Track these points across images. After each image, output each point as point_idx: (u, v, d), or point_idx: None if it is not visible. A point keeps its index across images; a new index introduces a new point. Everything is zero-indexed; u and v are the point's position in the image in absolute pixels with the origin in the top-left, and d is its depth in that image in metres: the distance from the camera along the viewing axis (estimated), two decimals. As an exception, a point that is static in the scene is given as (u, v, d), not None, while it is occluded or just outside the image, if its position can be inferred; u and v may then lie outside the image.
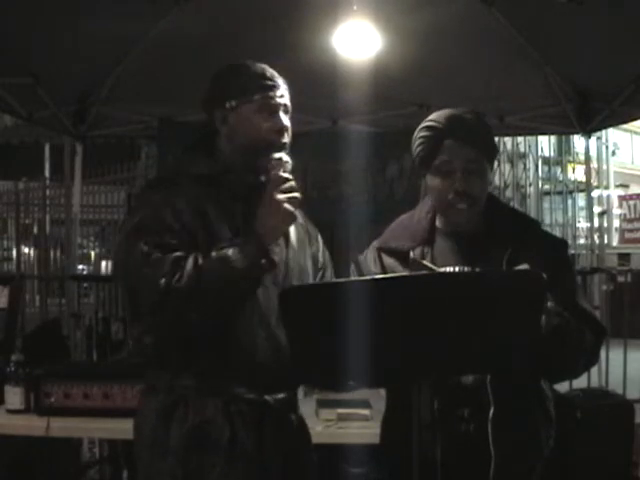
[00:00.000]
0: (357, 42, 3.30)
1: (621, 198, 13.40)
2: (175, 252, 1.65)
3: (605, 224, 12.36)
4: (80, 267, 6.06)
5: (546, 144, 12.58)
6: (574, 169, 12.20)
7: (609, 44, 3.50)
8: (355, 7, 3.16)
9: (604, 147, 14.47)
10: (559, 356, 1.70)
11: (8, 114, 5.76)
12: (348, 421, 2.79)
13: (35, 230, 8.72)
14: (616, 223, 13.55)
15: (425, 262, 1.79)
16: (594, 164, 11.68)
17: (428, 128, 1.85)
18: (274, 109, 1.80)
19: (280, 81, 1.84)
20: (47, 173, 10.10)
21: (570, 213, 11.80)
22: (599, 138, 12.97)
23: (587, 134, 4.73)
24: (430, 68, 3.88)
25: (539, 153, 11.98)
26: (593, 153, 10.77)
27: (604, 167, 14.56)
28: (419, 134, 1.87)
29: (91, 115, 4.51)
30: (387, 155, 4.86)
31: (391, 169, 4.94)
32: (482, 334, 1.46)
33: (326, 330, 1.45)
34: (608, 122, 4.68)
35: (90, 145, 5.02)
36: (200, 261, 1.64)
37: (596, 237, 6.35)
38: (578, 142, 11.31)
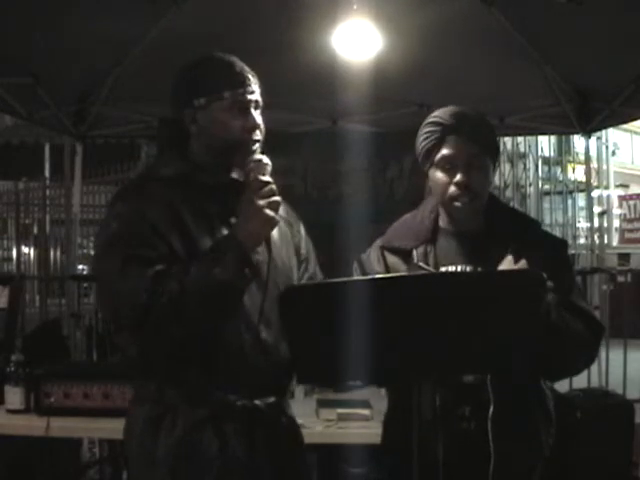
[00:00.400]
0: (357, 42, 3.30)
1: (621, 198, 13.41)
2: (153, 266, 1.59)
3: (605, 224, 12.38)
4: (80, 267, 6.05)
5: (546, 144, 12.59)
6: (574, 169, 12.22)
7: (609, 44, 3.50)
8: (355, 6, 3.15)
9: (604, 147, 14.48)
10: (558, 353, 1.70)
11: (8, 114, 5.76)
12: (348, 421, 2.78)
13: (35, 230, 8.72)
14: (616, 223, 13.57)
15: (424, 265, 1.80)
16: (594, 164, 11.68)
17: (432, 124, 1.87)
18: (245, 106, 1.74)
19: (250, 76, 1.76)
20: (47, 173, 10.09)
21: (570, 213, 11.81)
22: (599, 138, 12.99)
23: (587, 134, 4.73)
24: (430, 68, 3.89)
25: (539, 153, 12.00)
26: (593, 153, 10.78)
27: (604, 167, 14.57)
28: (423, 129, 1.89)
29: (91, 115, 4.51)
30: (387, 155, 4.87)
31: (391, 169, 4.95)
32: (482, 334, 1.46)
33: (326, 330, 1.45)
34: (608, 122, 4.68)
35: (90, 145, 5.02)
36: (181, 275, 1.59)
37: (596, 237, 6.35)
38: (578, 142, 11.32)
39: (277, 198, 1.66)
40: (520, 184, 11.44)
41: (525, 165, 11.57)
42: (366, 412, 2.81)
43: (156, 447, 1.69)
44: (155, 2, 3.33)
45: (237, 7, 3.43)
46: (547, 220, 11.30)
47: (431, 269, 1.80)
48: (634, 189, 15.18)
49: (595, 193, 11.75)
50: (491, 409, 1.76)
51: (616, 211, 13.70)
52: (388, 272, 1.89)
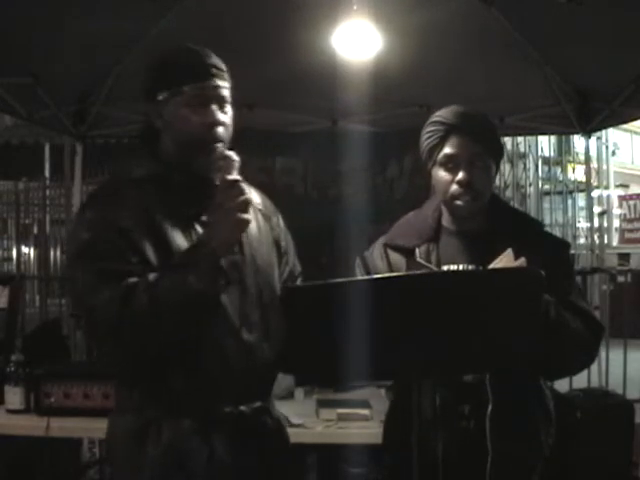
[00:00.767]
0: (357, 42, 3.30)
1: (621, 198, 13.41)
2: (125, 278, 1.55)
3: (605, 224, 12.39)
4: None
5: (546, 144, 12.60)
6: (574, 169, 12.22)
7: (609, 44, 3.50)
8: (355, 7, 3.15)
9: (604, 147, 14.49)
10: (557, 351, 1.70)
11: (8, 114, 5.75)
12: (348, 421, 2.78)
13: (35, 230, 8.71)
14: (616, 223, 13.57)
15: (423, 262, 1.80)
16: (594, 164, 11.69)
17: (435, 122, 1.88)
18: (205, 101, 1.65)
19: (215, 69, 1.67)
20: (47, 173, 10.08)
21: (570, 213, 11.81)
22: (599, 138, 13.00)
23: (587, 134, 4.72)
24: (430, 68, 3.88)
25: (539, 153, 12.00)
26: (593, 153, 10.79)
27: (604, 167, 14.58)
28: (426, 128, 1.90)
29: (91, 115, 4.51)
30: (387, 155, 4.86)
31: (391, 169, 4.94)
32: (481, 332, 1.47)
33: (326, 330, 1.45)
34: (608, 122, 4.67)
35: (90, 145, 5.02)
36: (153, 286, 1.54)
37: (596, 237, 6.36)
38: (578, 142, 11.33)
39: (246, 197, 1.58)
40: (520, 184, 11.44)
41: (525, 165, 11.58)
42: (366, 412, 2.81)
43: (142, 459, 1.65)
44: (155, 1, 3.33)
45: (237, 7, 3.43)
46: (547, 220, 11.30)
47: (431, 266, 1.80)
48: (634, 189, 15.18)
49: (595, 193, 11.77)
50: (489, 408, 1.76)
51: (616, 211, 13.70)
52: (391, 270, 1.90)
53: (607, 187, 14.66)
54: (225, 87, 1.69)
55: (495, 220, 1.90)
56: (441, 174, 1.87)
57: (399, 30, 3.45)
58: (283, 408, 2.80)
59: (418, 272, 1.67)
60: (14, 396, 2.82)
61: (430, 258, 1.88)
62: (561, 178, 12.51)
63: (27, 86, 3.93)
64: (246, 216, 1.58)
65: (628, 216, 12.46)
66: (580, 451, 2.82)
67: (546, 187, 12.53)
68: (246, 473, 1.70)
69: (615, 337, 4.84)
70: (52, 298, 6.78)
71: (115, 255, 1.58)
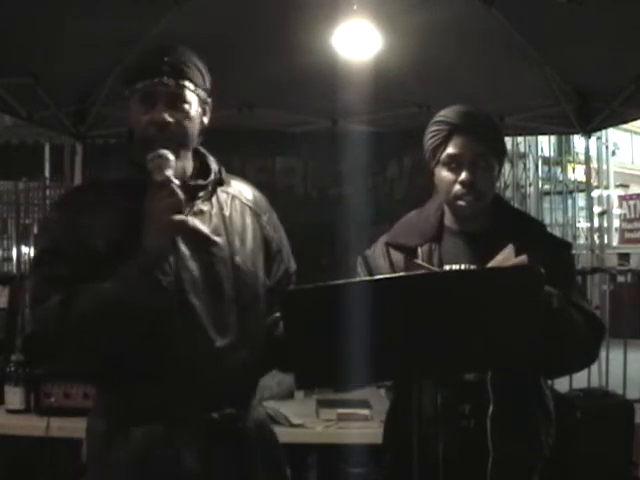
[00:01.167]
0: (357, 42, 3.30)
1: (621, 198, 13.39)
2: (70, 284, 1.55)
3: (605, 224, 12.38)
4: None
5: (546, 144, 12.59)
6: (574, 169, 12.22)
7: (609, 44, 3.50)
8: (355, 7, 3.15)
9: (604, 147, 14.49)
10: (559, 346, 1.70)
11: (8, 114, 5.75)
12: (348, 421, 2.79)
13: (35, 230, 8.71)
14: (616, 223, 13.56)
15: (421, 262, 1.80)
16: (594, 164, 11.69)
17: (439, 122, 1.88)
18: (153, 99, 1.62)
19: (167, 66, 1.61)
20: (47, 173, 10.08)
21: (570, 213, 11.81)
22: (599, 138, 13.00)
23: (587, 134, 4.73)
24: (430, 68, 3.88)
25: (539, 153, 11.99)
26: (593, 153, 10.80)
27: (604, 167, 14.58)
28: (430, 128, 1.91)
29: (91, 115, 4.51)
30: (387, 155, 4.87)
31: (391, 169, 4.95)
32: (482, 331, 1.47)
33: (327, 330, 1.45)
34: (608, 122, 4.67)
35: (90, 145, 5.01)
36: (93, 291, 1.53)
37: (596, 237, 6.36)
38: (578, 142, 11.33)
39: (177, 198, 1.52)
40: (520, 184, 11.43)
41: (525, 165, 11.57)
42: (366, 412, 2.81)
43: (109, 462, 1.65)
44: (155, 2, 3.33)
45: (238, 8, 3.43)
46: (547, 220, 11.30)
47: (429, 266, 1.80)
48: (634, 189, 15.17)
49: (595, 193, 11.77)
50: (490, 408, 1.76)
51: (616, 211, 13.69)
52: (392, 268, 1.90)
53: (607, 187, 14.66)
54: (182, 85, 1.63)
55: (497, 220, 1.90)
56: (444, 174, 1.87)
57: (399, 30, 3.45)
58: (283, 408, 2.82)
59: (419, 272, 1.66)
60: (14, 396, 2.82)
61: (432, 258, 1.88)
62: (561, 178, 12.51)
63: (27, 86, 3.93)
64: (179, 217, 1.52)
65: (628, 216, 12.44)
66: (580, 451, 2.82)
67: (546, 187, 12.53)
68: (214, 478, 1.65)
69: (615, 337, 4.84)
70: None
71: (64, 260, 1.58)
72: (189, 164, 1.72)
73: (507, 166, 10.73)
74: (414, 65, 3.80)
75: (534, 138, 11.24)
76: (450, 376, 1.78)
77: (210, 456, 1.64)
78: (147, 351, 1.60)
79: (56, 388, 2.78)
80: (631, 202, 12.41)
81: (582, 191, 10.74)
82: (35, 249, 1.69)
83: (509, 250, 1.69)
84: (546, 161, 12.71)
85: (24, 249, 8.47)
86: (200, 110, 1.70)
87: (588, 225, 8.31)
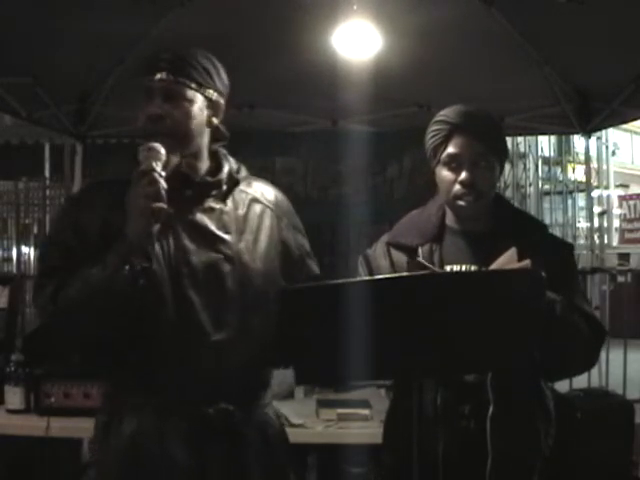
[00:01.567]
0: (357, 42, 3.30)
1: (621, 198, 13.40)
2: (61, 275, 1.61)
3: (605, 224, 12.39)
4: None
5: (546, 144, 12.61)
6: (574, 169, 12.23)
7: (609, 44, 3.50)
8: (355, 7, 3.16)
9: (604, 147, 14.50)
10: (560, 350, 1.70)
11: (8, 114, 5.75)
12: (348, 421, 2.78)
13: (35, 230, 8.72)
14: (616, 223, 13.57)
15: (423, 261, 1.80)
16: (594, 164, 11.70)
17: (439, 122, 1.88)
18: (150, 94, 1.66)
19: (165, 64, 1.65)
20: (47, 173, 10.08)
21: (570, 213, 11.83)
22: (599, 138, 13.01)
23: (587, 134, 4.73)
24: (430, 68, 3.88)
25: (539, 153, 12.01)
26: (593, 153, 10.81)
27: (604, 167, 14.59)
28: (431, 127, 1.90)
29: (91, 115, 4.51)
30: (387, 155, 4.87)
31: (391, 169, 4.95)
32: (482, 332, 1.46)
33: (326, 330, 1.45)
34: (608, 122, 4.68)
35: (90, 145, 5.02)
36: (72, 283, 1.59)
37: (596, 237, 6.37)
38: (578, 142, 11.34)
39: (157, 186, 1.54)
40: (520, 184, 11.45)
41: (525, 165, 11.59)
42: (366, 412, 2.81)
43: (106, 453, 1.69)
44: (155, 2, 3.33)
45: (238, 8, 3.43)
46: (547, 220, 11.30)
47: (431, 266, 1.80)
48: (634, 189, 15.18)
49: (595, 193, 11.78)
50: (490, 409, 1.76)
51: (616, 211, 13.70)
52: (393, 268, 1.90)
53: (607, 187, 14.67)
54: (180, 82, 1.66)
55: (499, 220, 1.89)
56: (444, 173, 1.86)
57: (399, 30, 3.45)
58: (283, 408, 2.81)
59: (419, 273, 1.66)
60: (14, 396, 2.82)
61: (433, 258, 1.87)
62: (561, 178, 12.53)
63: (27, 86, 3.93)
64: (159, 204, 1.53)
65: (628, 216, 12.45)
66: (580, 451, 2.82)
67: (546, 187, 12.54)
68: (206, 474, 1.66)
69: (615, 337, 4.83)
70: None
71: (62, 250, 1.66)
72: (203, 164, 1.75)
73: (507, 166, 10.74)
74: (414, 65, 3.80)
75: (534, 138, 11.26)
76: (450, 377, 1.78)
77: (202, 451, 1.65)
78: (141, 342, 1.63)
79: (56, 388, 2.78)
80: (631, 202, 12.42)
81: (582, 191, 10.76)
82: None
83: (511, 252, 1.69)
84: (546, 161, 12.73)
85: (24, 249, 8.48)
86: (205, 109, 1.71)
87: (588, 225, 8.32)
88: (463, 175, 1.82)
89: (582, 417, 2.93)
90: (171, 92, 1.66)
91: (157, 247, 1.61)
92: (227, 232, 1.72)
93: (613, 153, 15.32)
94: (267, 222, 1.80)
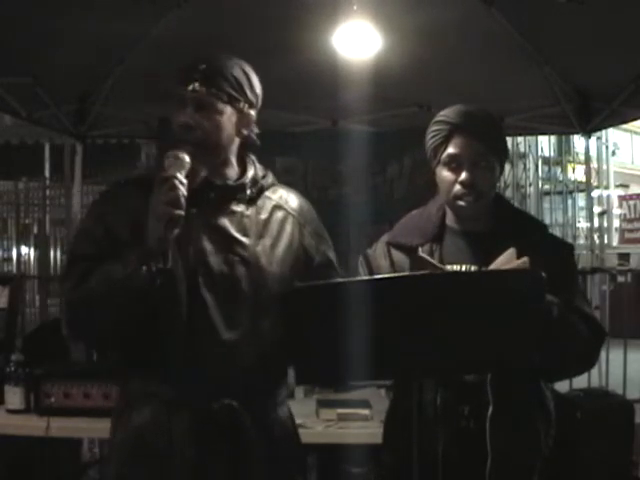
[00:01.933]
0: (357, 42, 3.30)
1: (621, 198, 13.40)
2: (87, 263, 1.68)
3: (605, 224, 12.39)
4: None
5: (546, 144, 12.60)
6: (574, 169, 12.23)
7: (609, 44, 3.50)
8: (355, 7, 3.16)
9: (604, 147, 14.50)
10: (558, 352, 1.70)
11: (8, 114, 5.75)
12: (348, 421, 2.79)
13: (35, 230, 8.72)
14: (616, 223, 13.57)
15: (426, 257, 1.80)
16: (594, 164, 11.70)
17: (439, 122, 1.88)
18: (182, 103, 1.72)
19: (196, 73, 1.71)
20: (47, 173, 10.09)
21: (570, 213, 11.82)
22: (599, 138, 13.01)
23: (587, 134, 4.73)
24: (430, 68, 3.88)
25: (539, 153, 12.00)
26: (593, 153, 10.81)
27: (604, 167, 14.58)
28: (431, 128, 1.90)
29: (91, 115, 4.51)
30: (387, 155, 4.86)
31: (391, 169, 4.94)
32: (482, 333, 1.46)
33: (327, 330, 1.45)
34: (608, 122, 4.68)
35: (90, 145, 5.02)
36: (95, 274, 1.66)
37: (596, 237, 6.36)
38: (578, 142, 11.33)
39: (177, 193, 1.59)
40: (520, 184, 11.44)
41: (525, 165, 11.58)
42: (366, 412, 2.81)
43: (115, 439, 1.76)
44: (155, 2, 3.33)
45: (238, 8, 3.43)
46: (547, 220, 11.29)
47: (434, 262, 1.79)
48: (634, 189, 15.18)
49: (595, 193, 11.77)
50: (490, 409, 1.76)
51: (616, 211, 13.70)
52: (394, 268, 1.90)
53: (607, 187, 14.67)
54: (212, 93, 1.71)
55: (499, 220, 1.89)
56: (444, 174, 1.87)
57: (399, 30, 3.45)
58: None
59: (419, 273, 1.66)
60: (14, 396, 2.82)
61: (433, 258, 1.87)
62: (561, 178, 12.52)
63: (27, 86, 3.93)
64: (177, 211, 1.58)
65: (628, 216, 12.45)
66: (580, 451, 2.82)
67: (546, 187, 12.53)
68: (208, 468, 1.69)
69: (615, 337, 4.84)
70: (52, 298, 6.78)
71: (90, 242, 1.72)
72: (232, 171, 1.82)
73: (507, 166, 10.73)
74: (414, 65, 3.80)
75: (534, 138, 11.24)
76: (450, 377, 1.78)
77: (206, 446, 1.69)
78: (154, 337, 1.69)
79: (56, 388, 2.78)
80: (631, 202, 12.42)
81: (582, 191, 10.75)
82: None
83: (511, 252, 1.69)
84: (546, 161, 12.72)
85: (24, 249, 8.48)
86: (235, 120, 1.77)
87: (588, 225, 8.32)
88: (463, 175, 1.82)
89: (582, 417, 2.93)
90: (202, 103, 1.71)
91: (176, 246, 1.65)
92: (246, 235, 1.76)
93: (613, 153, 15.32)
94: (288, 228, 1.84)
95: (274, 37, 3.57)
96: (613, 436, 3.05)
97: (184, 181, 1.61)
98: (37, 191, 8.67)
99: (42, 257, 8.29)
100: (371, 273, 1.93)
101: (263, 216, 1.80)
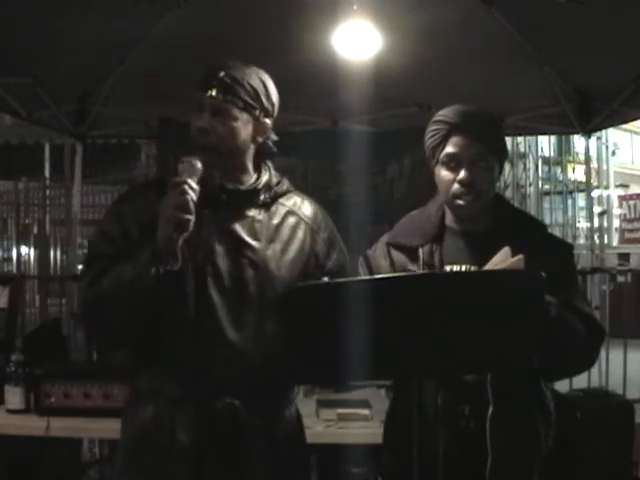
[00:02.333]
0: (357, 42, 3.30)
1: (621, 198, 13.40)
2: (103, 262, 1.74)
3: (605, 224, 12.39)
4: (80, 267, 6.05)
5: (546, 144, 12.60)
6: (574, 169, 12.23)
7: (609, 44, 3.50)
8: (355, 7, 3.15)
9: (604, 147, 14.50)
10: (557, 352, 1.70)
11: (8, 114, 5.75)
12: (348, 421, 2.79)
13: (35, 230, 8.72)
14: (616, 223, 13.57)
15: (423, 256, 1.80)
16: (594, 164, 11.70)
17: (438, 122, 1.88)
18: (201, 108, 1.77)
19: (215, 80, 1.75)
20: (47, 173, 10.10)
21: (570, 213, 11.82)
22: (599, 138, 13.01)
23: (587, 134, 4.73)
24: (430, 68, 3.89)
25: (539, 153, 12.00)
26: (593, 153, 10.81)
27: (604, 167, 14.59)
28: (430, 127, 1.90)
29: (91, 115, 4.51)
30: (387, 155, 4.86)
31: (391, 169, 4.94)
32: (482, 333, 1.46)
33: (327, 330, 1.45)
34: (608, 122, 4.68)
35: (90, 145, 5.02)
36: (107, 273, 1.71)
37: (596, 237, 6.36)
38: (578, 142, 11.34)
39: (186, 197, 1.64)
40: (520, 184, 11.44)
41: (525, 165, 11.58)
42: (366, 412, 2.81)
43: (123, 432, 1.82)
44: (155, 2, 3.33)
45: (238, 8, 3.43)
46: (547, 220, 11.30)
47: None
48: (634, 189, 15.19)
49: (595, 193, 11.77)
50: (490, 409, 1.76)
51: (616, 211, 13.70)
52: (394, 268, 1.90)
53: (607, 187, 14.67)
54: (229, 100, 1.75)
55: (499, 220, 1.89)
56: (443, 173, 1.87)
57: (399, 30, 3.45)
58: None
59: (419, 272, 1.67)
60: (14, 396, 2.82)
61: (433, 258, 1.87)
62: (561, 178, 12.52)
63: (27, 86, 3.93)
64: (186, 216, 1.63)
65: (628, 216, 12.45)
66: (580, 451, 2.82)
67: (546, 187, 12.54)
68: (209, 466, 1.72)
69: (615, 337, 4.84)
70: (52, 298, 6.78)
71: (107, 241, 1.78)
72: (248, 177, 1.86)
73: (507, 166, 10.74)
74: (414, 65, 3.80)
75: (534, 138, 11.25)
76: (450, 377, 1.78)
77: (206, 442, 1.72)
78: (161, 335, 1.74)
79: (56, 388, 2.78)
80: (631, 202, 12.42)
81: (582, 191, 10.76)
82: None
83: (505, 251, 1.69)
84: (546, 161, 12.73)
85: (24, 249, 8.48)
86: (251, 128, 1.80)
87: (588, 225, 8.32)
88: (462, 174, 1.82)
89: (582, 417, 2.93)
90: (219, 109, 1.76)
91: (186, 247, 1.68)
92: (256, 239, 1.80)
93: (613, 153, 15.32)
94: (300, 234, 1.88)
95: (274, 37, 3.57)
96: (613, 436, 3.05)
97: (195, 187, 1.66)
98: (37, 191, 8.68)
99: (42, 257, 8.30)
100: (371, 273, 1.93)
101: (275, 221, 1.85)
